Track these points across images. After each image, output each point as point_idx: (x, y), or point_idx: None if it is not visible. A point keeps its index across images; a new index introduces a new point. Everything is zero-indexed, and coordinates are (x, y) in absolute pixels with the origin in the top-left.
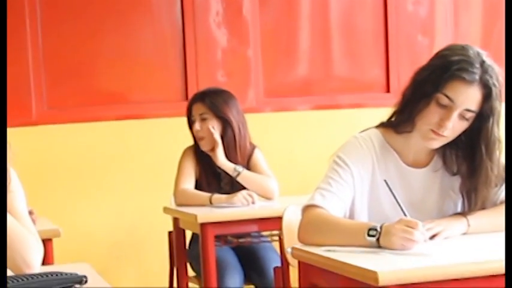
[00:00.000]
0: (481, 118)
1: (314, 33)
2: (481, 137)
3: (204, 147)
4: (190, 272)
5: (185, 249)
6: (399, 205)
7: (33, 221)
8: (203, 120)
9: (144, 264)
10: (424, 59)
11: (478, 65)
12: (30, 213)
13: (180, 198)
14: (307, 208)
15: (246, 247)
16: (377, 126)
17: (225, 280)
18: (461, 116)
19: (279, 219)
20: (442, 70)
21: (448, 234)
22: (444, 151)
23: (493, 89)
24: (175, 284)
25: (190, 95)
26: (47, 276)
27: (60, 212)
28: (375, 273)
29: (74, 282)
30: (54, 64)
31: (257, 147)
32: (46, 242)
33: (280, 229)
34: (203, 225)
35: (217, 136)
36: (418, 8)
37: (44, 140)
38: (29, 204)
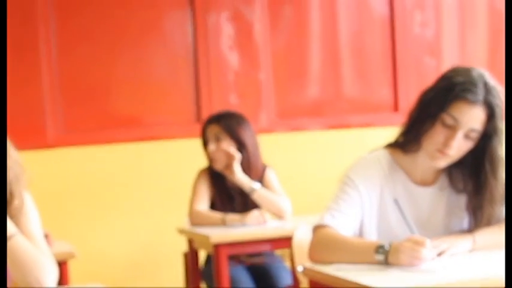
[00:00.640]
0: (485, 137)
1: (324, 55)
2: (485, 156)
3: (218, 165)
4: None
5: (200, 270)
6: (408, 224)
7: (49, 244)
8: (218, 140)
9: (159, 285)
10: (431, 80)
11: (481, 86)
12: (46, 236)
13: (195, 219)
14: (317, 228)
15: (258, 266)
16: (385, 147)
17: None
18: (466, 136)
19: (291, 238)
20: (447, 91)
21: (455, 251)
22: (450, 170)
23: (496, 109)
24: None
25: (204, 117)
26: None
27: (75, 233)
28: None
29: None
30: (69, 87)
31: (269, 167)
32: (62, 264)
33: (291, 248)
34: (216, 246)
35: (234, 150)
36: (424, 30)
37: (59, 163)
38: (44, 226)
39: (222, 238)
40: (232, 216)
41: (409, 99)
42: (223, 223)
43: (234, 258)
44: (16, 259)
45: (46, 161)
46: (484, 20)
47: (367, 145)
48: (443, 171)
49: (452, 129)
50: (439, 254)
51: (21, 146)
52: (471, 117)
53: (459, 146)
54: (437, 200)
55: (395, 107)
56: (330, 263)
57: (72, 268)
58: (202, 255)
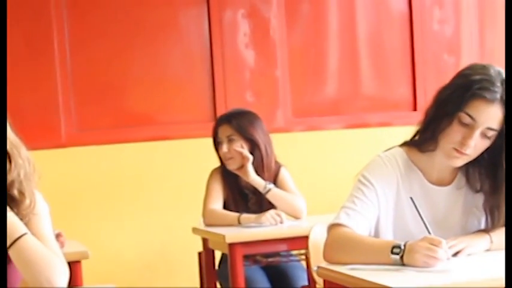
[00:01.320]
0: (503, 136)
1: (341, 53)
2: (503, 154)
3: (232, 166)
4: None
5: (215, 269)
6: (424, 223)
7: (62, 244)
8: (230, 141)
9: (173, 285)
10: (450, 78)
11: (499, 84)
12: (59, 235)
13: (209, 219)
14: (332, 227)
15: (274, 266)
16: (401, 145)
17: None
18: (483, 135)
19: (307, 238)
20: (464, 89)
21: (471, 251)
22: (467, 169)
23: None
24: None
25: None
26: None
27: (89, 233)
28: None
29: None
30: (82, 86)
31: (283, 166)
32: (75, 264)
33: (307, 248)
34: (231, 245)
35: (247, 153)
36: (443, 27)
37: (72, 162)
38: (57, 225)
39: (237, 237)
40: (247, 216)
41: (428, 97)
42: (238, 223)
43: (249, 258)
44: (26, 259)
45: (60, 160)
46: (503, 16)
47: (385, 144)
48: (460, 170)
49: (470, 128)
50: (456, 254)
51: (35, 145)
52: (488, 116)
53: (476, 145)
54: (454, 200)
55: (414, 106)
56: (345, 263)
57: (85, 268)
58: (217, 256)
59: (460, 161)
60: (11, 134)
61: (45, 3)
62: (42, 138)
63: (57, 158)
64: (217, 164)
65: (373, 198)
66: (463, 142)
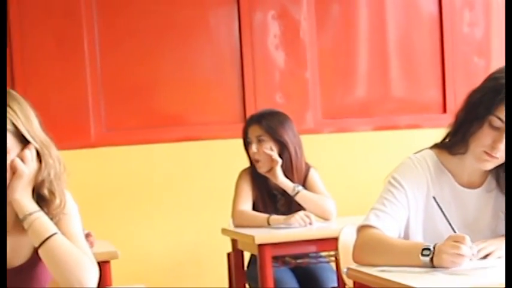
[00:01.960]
0: None
1: (371, 55)
2: None
3: (261, 169)
4: None
5: (244, 270)
6: (447, 221)
7: (91, 244)
8: (260, 142)
9: (202, 286)
10: (480, 80)
11: None
12: (88, 235)
13: (238, 220)
14: (361, 228)
15: (303, 268)
16: (431, 147)
17: None
18: None
19: (337, 239)
20: (495, 92)
21: (501, 253)
22: (498, 172)
23: None
24: None
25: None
26: None
27: (118, 233)
28: None
29: None
30: (112, 86)
31: (312, 168)
32: (104, 264)
33: (337, 249)
34: (261, 246)
35: (276, 156)
36: (473, 30)
37: (102, 162)
38: (86, 225)
39: (266, 239)
40: (276, 217)
41: (458, 100)
42: (267, 224)
43: (278, 260)
44: (56, 258)
45: (90, 160)
46: None
47: (414, 146)
48: (490, 173)
49: (500, 131)
50: (485, 257)
51: (65, 145)
52: None
53: None
54: (484, 202)
55: (444, 108)
56: (375, 264)
57: (115, 268)
58: (246, 257)
59: (490, 164)
60: (41, 134)
61: (75, 3)
62: (72, 138)
63: (86, 158)
64: (247, 164)
65: (403, 200)
66: (494, 145)
